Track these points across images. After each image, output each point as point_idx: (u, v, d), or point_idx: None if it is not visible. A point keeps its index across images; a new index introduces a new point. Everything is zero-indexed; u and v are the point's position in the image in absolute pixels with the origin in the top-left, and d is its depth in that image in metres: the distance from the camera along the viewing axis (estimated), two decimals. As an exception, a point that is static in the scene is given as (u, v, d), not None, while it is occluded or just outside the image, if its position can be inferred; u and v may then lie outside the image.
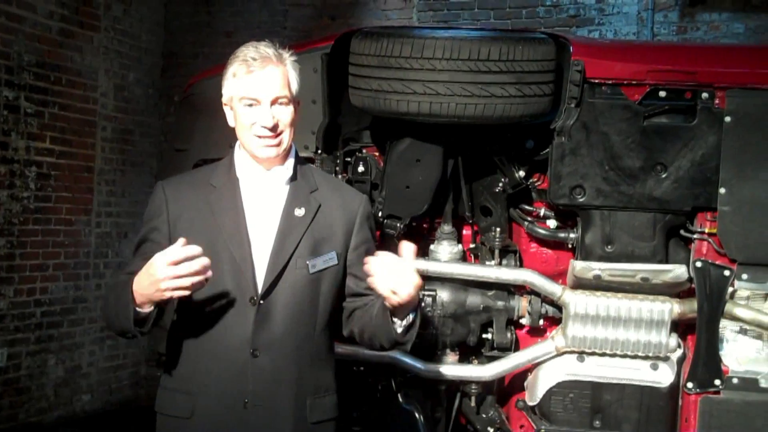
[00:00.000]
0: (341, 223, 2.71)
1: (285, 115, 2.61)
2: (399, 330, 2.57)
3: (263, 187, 2.67)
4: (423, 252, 4.08)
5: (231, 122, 2.70)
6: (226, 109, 2.71)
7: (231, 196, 2.65)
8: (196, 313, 2.62)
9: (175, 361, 2.65)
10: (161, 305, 2.48)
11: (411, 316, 2.57)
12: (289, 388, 2.61)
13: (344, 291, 2.75)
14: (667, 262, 3.77)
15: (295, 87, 2.65)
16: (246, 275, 2.59)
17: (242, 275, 2.59)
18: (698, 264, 3.67)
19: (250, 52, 2.61)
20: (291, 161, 2.71)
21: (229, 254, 2.59)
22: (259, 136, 2.60)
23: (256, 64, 2.58)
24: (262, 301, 2.59)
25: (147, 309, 2.46)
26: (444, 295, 3.93)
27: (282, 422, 2.59)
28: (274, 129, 2.59)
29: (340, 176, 3.97)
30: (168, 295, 2.38)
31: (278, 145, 2.62)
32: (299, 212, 2.65)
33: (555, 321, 3.96)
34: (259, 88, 2.59)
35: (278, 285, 2.60)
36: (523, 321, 3.98)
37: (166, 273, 2.34)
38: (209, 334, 2.59)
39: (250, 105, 2.60)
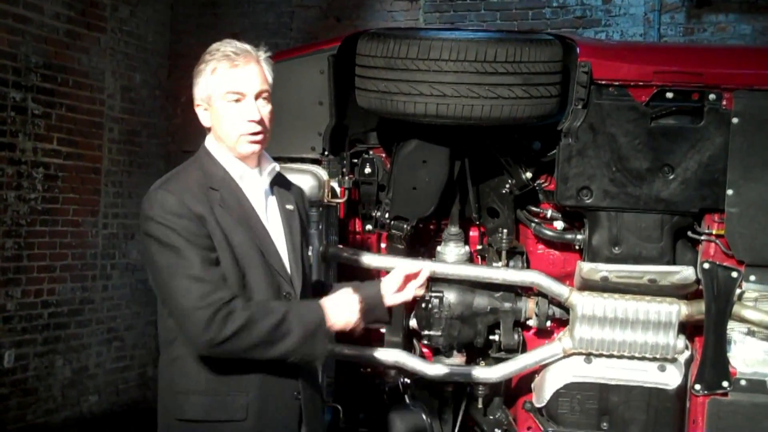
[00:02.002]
0: (304, 212, 2.85)
1: (267, 110, 2.62)
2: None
3: (259, 186, 2.67)
4: (430, 253, 4.09)
5: (206, 122, 2.64)
6: (199, 110, 2.65)
7: (239, 198, 2.62)
8: None
9: (214, 366, 2.51)
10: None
11: None
12: (318, 374, 2.76)
13: None
14: (674, 263, 3.77)
15: (271, 84, 2.65)
16: (281, 273, 2.60)
17: (276, 272, 2.59)
18: (706, 265, 3.66)
19: (229, 47, 2.59)
20: (271, 158, 2.73)
21: (258, 255, 2.57)
22: (246, 132, 2.58)
23: (240, 58, 2.57)
24: (293, 295, 2.62)
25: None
26: (451, 296, 3.93)
27: (318, 406, 2.70)
28: (261, 123, 2.58)
29: (347, 177, 3.97)
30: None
31: (262, 141, 2.61)
32: (290, 207, 2.73)
33: (562, 322, 3.96)
34: (245, 82, 2.57)
35: (301, 278, 2.67)
36: (530, 322, 3.98)
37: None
38: None
39: (236, 100, 2.57)
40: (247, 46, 2.62)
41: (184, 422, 2.52)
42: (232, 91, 2.56)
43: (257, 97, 2.58)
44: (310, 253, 2.78)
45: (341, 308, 2.56)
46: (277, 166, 2.72)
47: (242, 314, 2.42)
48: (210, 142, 2.67)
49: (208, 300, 2.42)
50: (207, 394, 2.51)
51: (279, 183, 2.76)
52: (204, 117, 2.65)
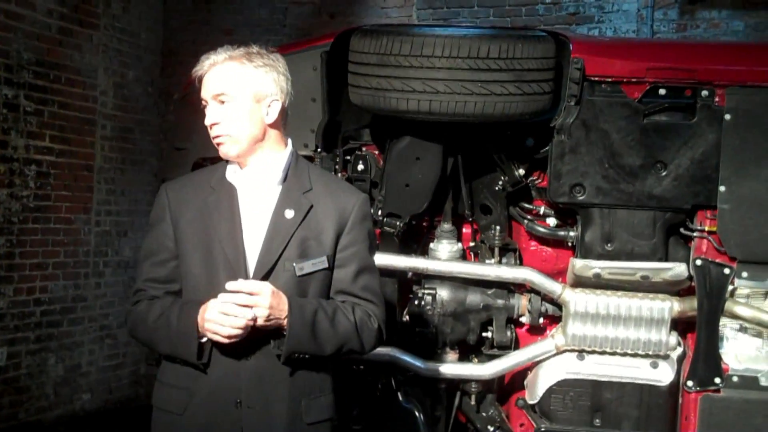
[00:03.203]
0: (332, 225, 2.65)
1: (226, 111, 2.60)
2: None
3: (257, 188, 2.67)
4: (423, 250, 4.09)
5: None
6: None
7: (228, 198, 2.65)
8: None
9: (174, 360, 2.65)
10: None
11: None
12: (283, 388, 2.60)
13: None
14: (666, 260, 3.77)
15: (247, 84, 2.60)
16: (239, 277, 2.56)
17: (235, 277, 2.56)
18: (698, 262, 3.67)
19: (205, 55, 2.66)
20: (283, 162, 2.68)
21: (223, 256, 2.60)
22: (212, 137, 2.64)
23: (205, 65, 2.63)
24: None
25: (203, 340, 2.56)
26: (444, 293, 3.93)
27: (277, 423, 2.58)
28: (219, 126, 2.61)
29: (339, 174, 3.97)
30: (209, 335, 2.52)
31: (225, 144, 2.62)
32: (289, 214, 2.62)
33: (555, 319, 3.96)
34: (203, 88, 2.64)
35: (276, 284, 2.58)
36: (523, 319, 3.98)
37: (213, 317, 2.47)
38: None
39: (203, 106, 2.65)
40: (218, 51, 2.64)
41: (153, 407, 2.70)
42: (201, 97, 2.66)
43: (215, 99, 2.62)
44: (312, 266, 2.61)
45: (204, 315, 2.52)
46: (279, 171, 2.66)
47: (134, 316, 2.68)
48: None
49: (133, 298, 2.72)
50: (165, 384, 2.68)
51: (294, 187, 2.68)
52: None
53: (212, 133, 2.63)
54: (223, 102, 2.60)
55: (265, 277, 2.58)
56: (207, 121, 2.63)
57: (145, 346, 2.80)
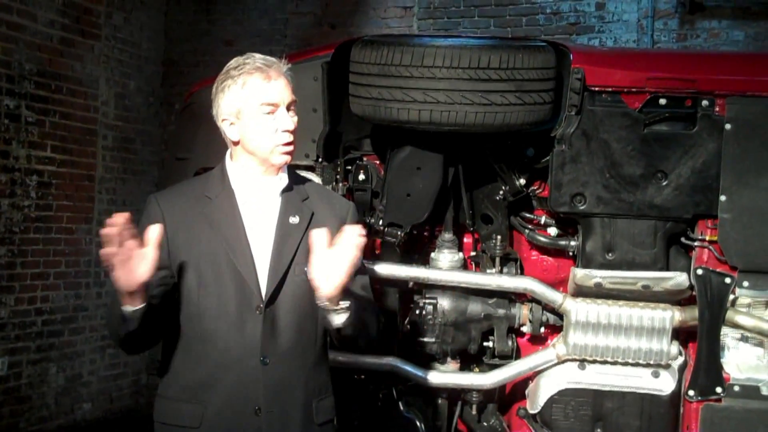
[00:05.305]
0: (333, 230, 2.68)
1: (296, 120, 2.67)
2: (340, 319, 2.54)
3: (258, 197, 2.70)
4: (424, 260, 4.09)
5: (234, 137, 2.67)
6: (224, 125, 2.68)
7: (229, 207, 2.66)
8: (200, 323, 2.62)
9: (177, 371, 2.65)
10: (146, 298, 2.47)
11: (345, 303, 2.53)
12: (298, 392, 2.65)
13: None
14: (667, 269, 3.76)
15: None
16: (250, 284, 2.61)
17: (246, 285, 2.60)
18: (699, 271, 3.66)
19: (258, 61, 2.64)
20: (284, 170, 2.75)
21: (231, 265, 2.61)
22: (280, 143, 2.63)
23: (272, 71, 2.63)
24: (267, 309, 2.61)
25: (134, 306, 2.44)
26: (445, 303, 3.93)
27: (294, 426, 2.63)
28: (294, 132, 2.64)
29: (341, 184, 3.97)
30: (122, 280, 2.36)
31: (292, 152, 2.67)
32: (294, 220, 2.68)
33: (556, 329, 3.96)
34: (279, 94, 2.62)
35: (281, 292, 2.63)
36: (524, 329, 3.98)
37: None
38: (216, 343, 2.60)
39: (270, 112, 2.62)
40: (273, 59, 2.67)
41: (158, 424, 2.66)
42: (267, 102, 2.61)
43: (288, 108, 2.64)
44: (307, 269, 2.61)
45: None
46: (283, 180, 2.73)
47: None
48: (229, 156, 2.73)
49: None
50: (171, 398, 2.65)
51: (294, 196, 2.74)
52: (232, 132, 2.68)
53: (285, 139, 2.63)
54: (293, 110, 2.67)
55: (279, 284, 2.62)
56: (286, 126, 2.62)
57: (116, 335, 2.59)
